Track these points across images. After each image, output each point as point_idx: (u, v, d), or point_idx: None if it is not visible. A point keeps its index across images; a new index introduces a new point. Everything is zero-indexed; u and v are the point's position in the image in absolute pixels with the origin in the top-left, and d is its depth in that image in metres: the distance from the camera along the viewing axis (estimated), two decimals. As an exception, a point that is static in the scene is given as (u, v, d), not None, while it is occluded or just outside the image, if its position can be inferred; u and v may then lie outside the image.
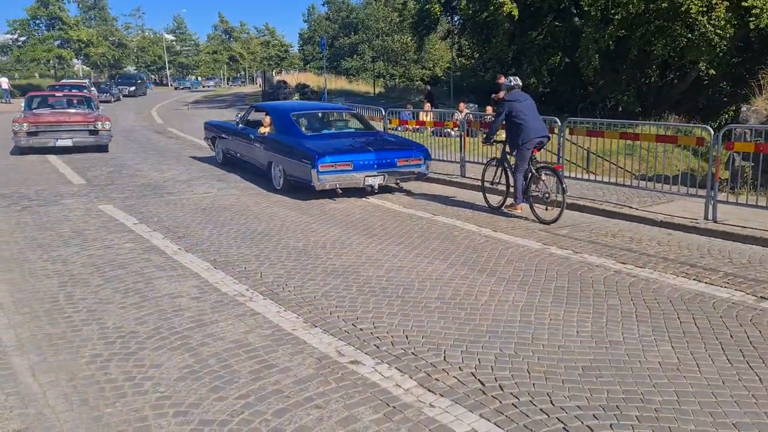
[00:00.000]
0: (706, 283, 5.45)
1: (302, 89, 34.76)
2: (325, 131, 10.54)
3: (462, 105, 18.67)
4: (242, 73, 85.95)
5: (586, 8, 20.73)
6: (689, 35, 19.46)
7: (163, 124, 23.59)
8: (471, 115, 12.01)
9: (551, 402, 3.45)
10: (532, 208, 7.93)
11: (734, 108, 22.55)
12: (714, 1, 18.25)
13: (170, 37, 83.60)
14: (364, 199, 9.33)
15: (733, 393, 3.55)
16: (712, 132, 7.44)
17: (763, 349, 4.11)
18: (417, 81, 51.31)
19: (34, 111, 15.11)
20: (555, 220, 7.58)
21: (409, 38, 44.62)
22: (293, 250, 6.52)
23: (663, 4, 18.61)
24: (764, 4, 17.66)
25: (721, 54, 19.36)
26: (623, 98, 22.81)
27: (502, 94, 9.09)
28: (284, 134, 10.03)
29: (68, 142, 14.14)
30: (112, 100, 37.94)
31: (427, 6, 28.74)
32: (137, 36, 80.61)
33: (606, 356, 4.02)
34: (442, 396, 3.51)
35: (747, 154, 8.65)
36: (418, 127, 13.76)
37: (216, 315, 4.74)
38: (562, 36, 23.85)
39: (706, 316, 4.70)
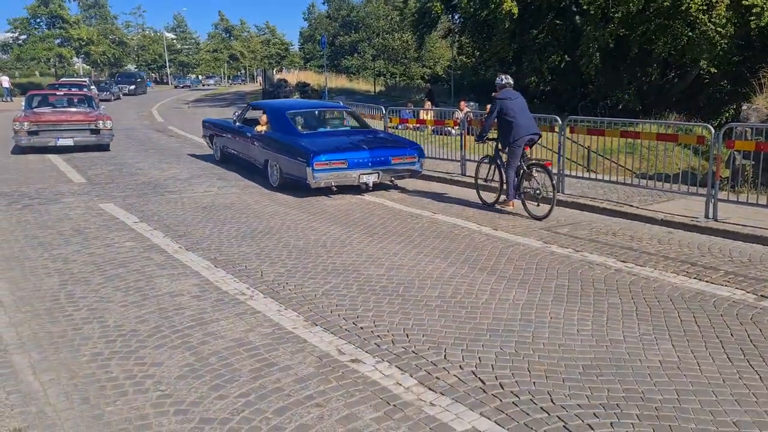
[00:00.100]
0: (706, 281, 5.45)
1: (303, 88, 34.77)
2: (321, 129, 10.62)
3: (463, 103, 18.65)
4: (243, 71, 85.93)
5: (585, 7, 20.72)
6: (690, 33, 19.44)
7: (163, 122, 23.59)
8: (471, 114, 12.00)
9: (552, 400, 3.45)
10: (524, 204, 8.08)
11: (735, 106, 22.53)
12: (714, 0, 18.23)
13: (171, 35, 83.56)
14: (364, 197, 9.33)
15: (734, 391, 3.55)
16: (713, 130, 7.43)
17: (764, 348, 4.11)
18: (417, 79, 51.33)
19: (34, 110, 15.03)
20: (546, 216, 7.74)
21: (410, 36, 44.65)
22: (294, 249, 6.52)
23: (664, 3, 18.59)
24: (764, 3, 17.64)
25: (721, 52, 19.36)
26: (624, 97, 22.82)
27: None
28: (280, 132, 10.10)
29: (69, 142, 14.10)
30: (112, 98, 37.92)
31: (427, 4, 28.74)
32: (137, 34, 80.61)
33: (606, 355, 4.02)
34: (442, 394, 3.52)
35: (748, 152, 8.64)
36: (418, 125, 13.76)
37: (217, 313, 4.75)
38: (562, 34, 23.86)
39: (707, 314, 4.70)
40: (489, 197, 8.68)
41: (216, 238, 6.98)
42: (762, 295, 5.08)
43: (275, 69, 67.58)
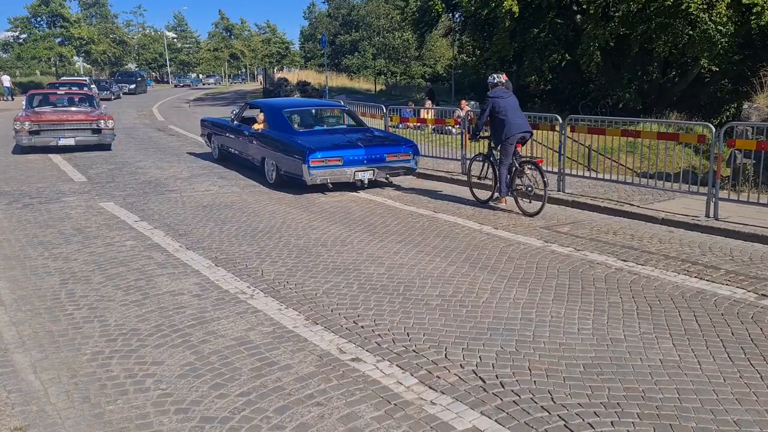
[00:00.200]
0: (707, 280, 5.45)
1: (303, 87, 34.75)
2: (317, 128, 10.69)
3: (463, 102, 18.68)
4: (243, 70, 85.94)
5: (585, 6, 20.70)
6: (690, 32, 19.41)
7: (164, 121, 23.59)
8: (472, 113, 11.99)
9: (552, 399, 3.45)
10: (516, 201, 8.21)
11: (736, 105, 22.51)
12: (714, -1, 18.23)
13: (171, 34, 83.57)
14: (363, 196, 9.33)
15: (735, 390, 3.55)
16: (714, 129, 7.42)
17: (765, 347, 4.11)
18: (418, 78, 51.29)
19: (35, 109, 14.95)
20: (538, 213, 7.89)
21: (410, 35, 44.63)
22: (294, 248, 6.52)
23: (665, 2, 18.57)
24: (765, 3, 17.61)
25: (722, 51, 19.31)
26: (624, 95, 22.77)
27: None
28: (277, 130, 10.19)
29: (71, 141, 14.05)
30: (112, 97, 37.84)
31: (428, 3, 28.71)
32: (138, 33, 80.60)
33: (607, 353, 4.02)
34: (443, 393, 3.52)
35: (748, 151, 8.61)
36: (419, 124, 13.76)
37: (217, 312, 4.75)
38: (563, 33, 23.82)
39: (708, 313, 4.70)
40: (482, 194, 8.77)
41: (216, 236, 6.98)
42: (763, 294, 5.08)
43: (276, 68, 67.55)
